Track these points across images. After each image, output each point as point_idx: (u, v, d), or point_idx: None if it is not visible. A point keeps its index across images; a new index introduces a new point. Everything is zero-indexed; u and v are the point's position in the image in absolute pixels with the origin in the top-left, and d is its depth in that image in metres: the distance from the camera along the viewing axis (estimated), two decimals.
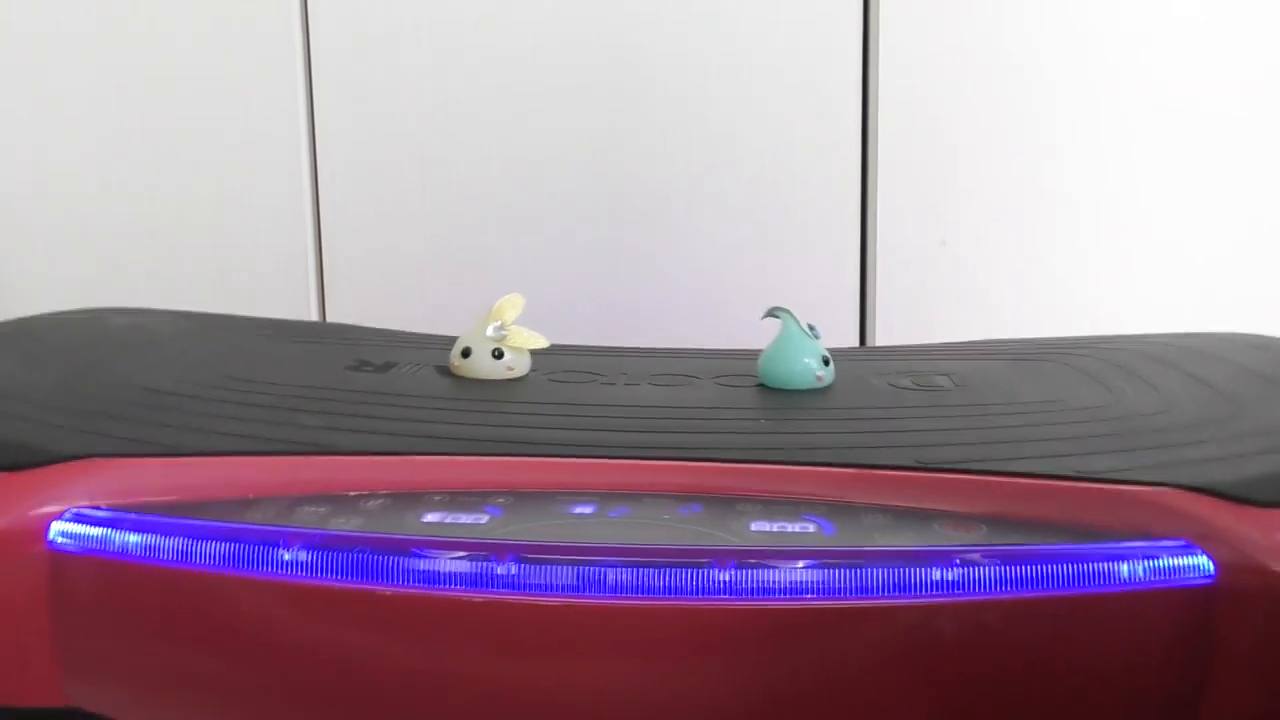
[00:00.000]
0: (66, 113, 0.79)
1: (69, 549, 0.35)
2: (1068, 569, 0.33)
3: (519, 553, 0.33)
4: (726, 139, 0.76)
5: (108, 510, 0.35)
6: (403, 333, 0.59)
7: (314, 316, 0.80)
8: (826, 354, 0.47)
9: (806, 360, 0.46)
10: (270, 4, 0.77)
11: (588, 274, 0.78)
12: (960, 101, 0.75)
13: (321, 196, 0.79)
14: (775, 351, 0.47)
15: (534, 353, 0.49)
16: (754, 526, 0.34)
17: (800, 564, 0.33)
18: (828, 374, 0.47)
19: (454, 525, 0.34)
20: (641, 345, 0.57)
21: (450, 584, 0.33)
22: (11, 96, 0.79)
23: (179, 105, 0.78)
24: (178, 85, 0.78)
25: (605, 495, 0.36)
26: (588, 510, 0.36)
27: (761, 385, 0.47)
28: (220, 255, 0.79)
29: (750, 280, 0.77)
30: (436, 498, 0.36)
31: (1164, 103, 0.75)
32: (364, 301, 0.79)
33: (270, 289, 0.79)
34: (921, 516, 0.35)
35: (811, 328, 0.47)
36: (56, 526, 0.35)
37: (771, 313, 0.48)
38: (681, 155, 0.76)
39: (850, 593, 0.32)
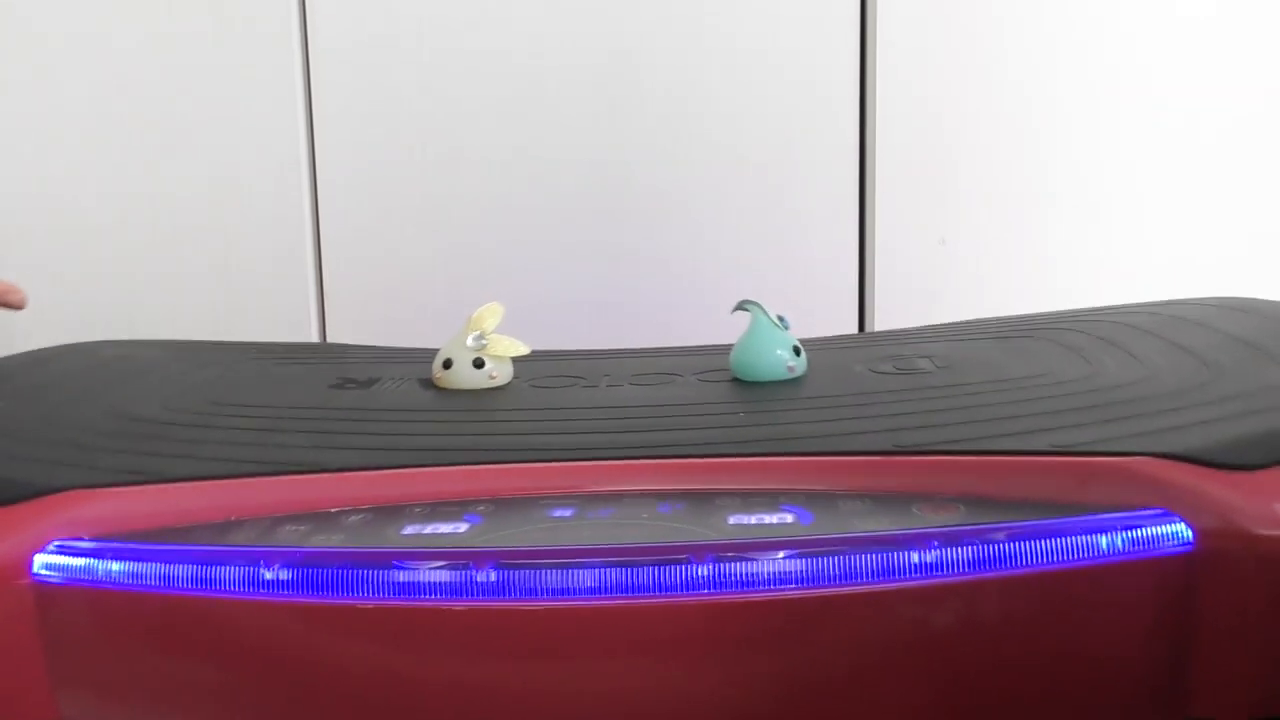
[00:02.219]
0: (65, 117, 0.78)
1: (53, 580, 0.35)
2: (1046, 545, 0.33)
3: (497, 559, 0.33)
4: (726, 140, 0.76)
5: (89, 541, 0.35)
6: (386, 348, 0.60)
7: (314, 323, 0.79)
8: (797, 344, 0.47)
9: (778, 352, 0.46)
10: (270, 10, 0.77)
11: (589, 275, 0.78)
12: (959, 101, 0.75)
13: (321, 202, 0.78)
14: (746, 344, 0.47)
15: (516, 359, 0.49)
16: (732, 520, 0.34)
17: (779, 554, 0.33)
18: (799, 364, 0.47)
19: (433, 536, 0.35)
20: (630, 346, 0.57)
21: (431, 594, 0.33)
22: (11, 102, 0.79)
23: (179, 112, 0.78)
24: (177, 93, 0.77)
25: (585, 498, 0.37)
26: (567, 513, 0.36)
27: (736, 379, 0.47)
28: (220, 262, 0.79)
29: (750, 279, 0.76)
30: (417, 510, 0.36)
31: (1162, 102, 0.75)
32: (364, 306, 0.79)
33: (270, 294, 0.79)
34: (899, 500, 0.35)
35: (781, 318, 0.47)
36: (40, 559, 0.35)
37: (741, 306, 0.48)
38: (682, 155, 0.77)
39: (829, 580, 0.32)
